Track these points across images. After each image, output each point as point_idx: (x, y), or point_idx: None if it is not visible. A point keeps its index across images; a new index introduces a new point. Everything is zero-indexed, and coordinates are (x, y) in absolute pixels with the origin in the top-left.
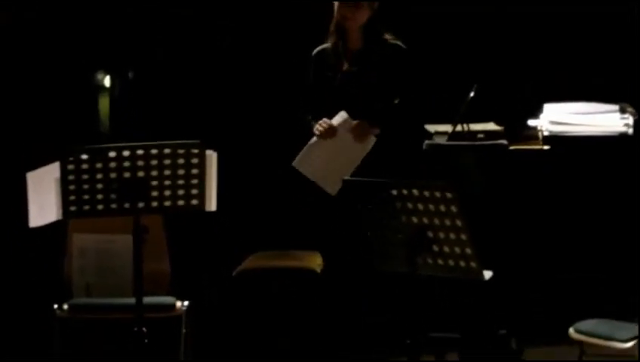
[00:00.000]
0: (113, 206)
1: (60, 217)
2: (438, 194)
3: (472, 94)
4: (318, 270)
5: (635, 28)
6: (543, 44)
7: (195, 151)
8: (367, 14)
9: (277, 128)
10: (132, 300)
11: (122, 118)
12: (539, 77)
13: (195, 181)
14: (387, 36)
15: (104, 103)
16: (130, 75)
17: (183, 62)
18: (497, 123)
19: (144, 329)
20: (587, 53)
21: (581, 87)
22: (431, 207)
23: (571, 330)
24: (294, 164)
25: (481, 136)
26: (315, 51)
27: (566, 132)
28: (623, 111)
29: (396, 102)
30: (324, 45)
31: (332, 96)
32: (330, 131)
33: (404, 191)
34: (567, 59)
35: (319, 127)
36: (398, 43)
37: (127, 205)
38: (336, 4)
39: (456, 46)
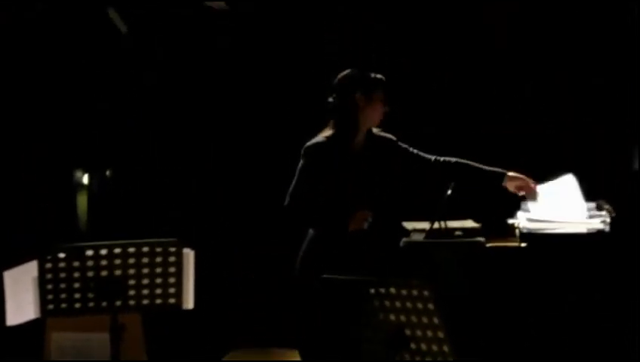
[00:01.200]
0: (91, 304)
1: (37, 315)
2: (415, 292)
3: (449, 192)
4: None
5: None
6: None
7: (173, 249)
8: None
9: (257, 222)
10: None
11: (100, 216)
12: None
13: (172, 279)
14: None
15: (82, 201)
16: (108, 173)
17: (160, 159)
18: (475, 220)
19: None
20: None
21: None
22: (408, 304)
23: None
24: None
25: (458, 233)
26: (311, 145)
27: (543, 229)
28: (599, 208)
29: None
30: (318, 139)
31: (343, 191)
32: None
33: (382, 290)
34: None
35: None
36: (389, 136)
37: (104, 304)
38: (380, 95)
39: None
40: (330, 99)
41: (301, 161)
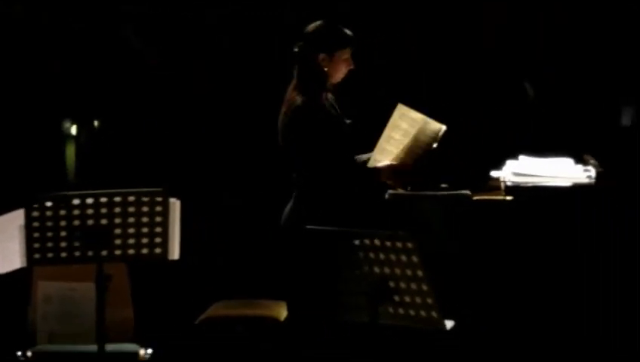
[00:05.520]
0: (77, 254)
1: (24, 265)
2: (399, 244)
3: (434, 145)
4: (281, 319)
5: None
6: None
7: (159, 199)
8: None
9: (243, 174)
10: (95, 348)
11: (88, 167)
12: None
13: (158, 229)
14: None
15: (70, 152)
16: (96, 123)
17: (147, 110)
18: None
19: None
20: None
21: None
22: (392, 257)
23: None
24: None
25: (444, 185)
26: (309, 106)
27: (529, 183)
28: (585, 162)
29: None
30: (304, 100)
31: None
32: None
33: (366, 241)
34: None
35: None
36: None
37: (90, 253)
38: (346, 54)
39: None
40: (296, 49)
41: (308, 125)
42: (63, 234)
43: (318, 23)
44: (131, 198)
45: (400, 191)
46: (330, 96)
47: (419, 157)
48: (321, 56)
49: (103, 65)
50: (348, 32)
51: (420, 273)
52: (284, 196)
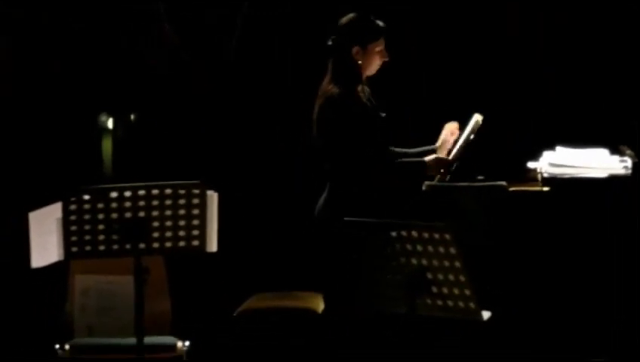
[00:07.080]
0: (114, 247)
1: (61, 258)
2: (436, 235)
3: (472, 136)
4: (319, 311)
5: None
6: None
7: (196, 191)
8: None
9: (279, 167)
10: (133, 340)
11: (125, 160)
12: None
13: (196, 221)
14: None
15: (107, 145)
16: (132, 117)
17: (184, 103)
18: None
19: None
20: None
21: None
22: (430, 248)
23: None
24: None
25: (480, 177)
26: (352, 95)
27: (565, 174)
28: (622, 153)
29: None
30: (338, 92)
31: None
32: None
33: (404, 233)
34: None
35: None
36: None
37: (128, 246)
38: (379, 46)
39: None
40: (330, 43)
41: (343, 117)
42: (101, 227)
43: (350, 15)
44: (168, 191)
45: (437, 182)
46: (366, 89)
47: (460, 148)
48: (355, 48)
49: (139, 58)
50: (380, 23)
51: (457, 264)
52: (318, 188)
